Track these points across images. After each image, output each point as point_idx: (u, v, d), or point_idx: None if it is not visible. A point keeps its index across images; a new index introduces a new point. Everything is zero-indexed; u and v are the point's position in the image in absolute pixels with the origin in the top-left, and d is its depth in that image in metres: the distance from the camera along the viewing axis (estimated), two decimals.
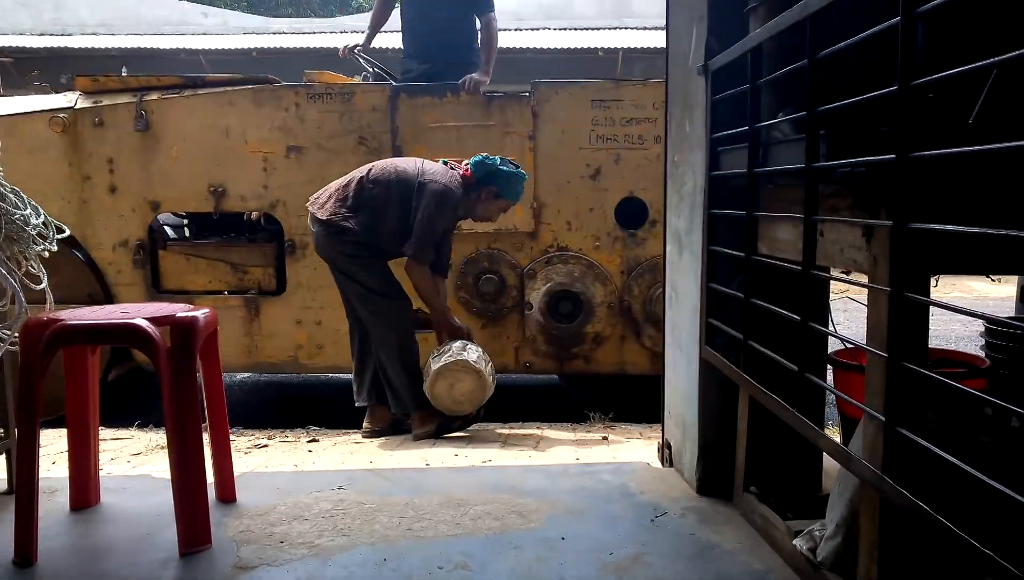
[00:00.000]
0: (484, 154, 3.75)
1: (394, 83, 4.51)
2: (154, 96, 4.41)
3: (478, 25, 4.69)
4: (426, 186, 3.60)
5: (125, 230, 4.45)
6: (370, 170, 3.71)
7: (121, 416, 4.12)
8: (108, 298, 4.44)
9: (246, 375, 5.50)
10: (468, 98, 4.32)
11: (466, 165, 3.74)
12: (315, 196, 3.77)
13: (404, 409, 3.73)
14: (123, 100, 4.42)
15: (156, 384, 2.17)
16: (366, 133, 4.36)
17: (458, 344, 3.67)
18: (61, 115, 4.37)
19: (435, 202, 3.58)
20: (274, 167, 4.40)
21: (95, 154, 4.39)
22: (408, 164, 3.73)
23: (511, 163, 3.76)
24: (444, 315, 3.79)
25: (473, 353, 3.64)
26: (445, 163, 3.77)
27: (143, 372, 4.65)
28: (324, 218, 3.63)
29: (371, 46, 4.96)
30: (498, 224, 4.11)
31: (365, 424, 3.82)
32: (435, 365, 3.59)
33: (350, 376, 3.88)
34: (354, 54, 4.89)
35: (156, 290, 4.47)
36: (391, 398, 3.74)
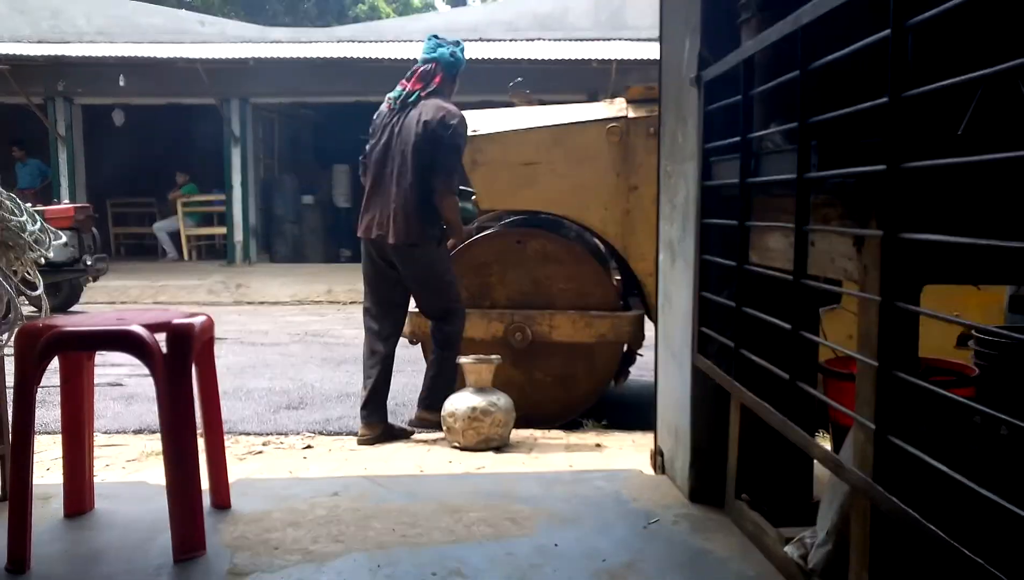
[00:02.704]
0: (438, 49, 3.73)
1: None
2: None
3: None
4: (436, 124, 3.58)
5: None
6: (380, 175, 3.68)
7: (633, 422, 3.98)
8: (645, 311, 4.25)
9: (237, 381, 5.49)
10: None
11: (427, 69, 3.70)
12: (373, 228, 3.69)
13: (433, 406, 3.75)
14: None
15: None
16: None
17: (463, 404, 3.60)
18: (616, 124, 4.25)
19: (461, 132, 3.64)
20: None
21: (645, 164, 4.09)
22: (395, 138, 3.66)
23: (433, 38, 3.81)
24: (463, 229, 3.91)
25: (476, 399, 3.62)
26: (418, 97, 3.67)
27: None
28: (413, 241, 3.62)
29: None
30: None
31: (361, 431, 3.81)
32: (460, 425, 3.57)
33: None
34: None
35: None
36: (431, 392, 3.76)
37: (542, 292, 4.25)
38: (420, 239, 3.64)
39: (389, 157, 3.68)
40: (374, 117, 3.88)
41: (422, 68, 3.75)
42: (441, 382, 3.79)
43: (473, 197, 4.24)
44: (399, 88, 3.78)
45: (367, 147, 3.87)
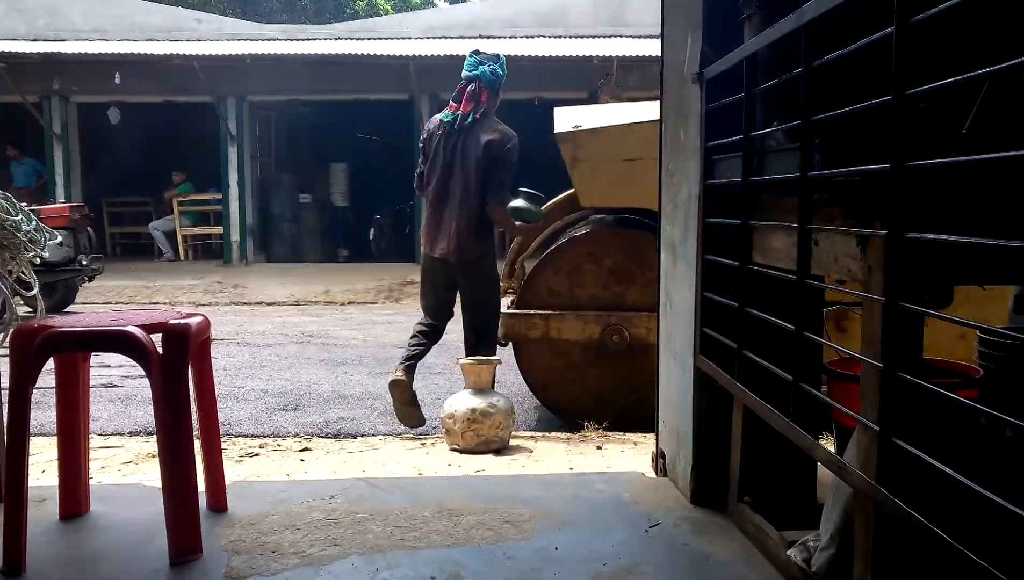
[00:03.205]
0: (479, 67, 3.94)
1: None
2: None
3: None
4: (496, 144, 3.86)
5: None
6: (443, 195, 3.96)
7: None
8: None
9: (234, 382, 5.47)
10: None
11: (472, 88, 3.92)
12: (437, 246, 3.99)
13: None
14: None
15: None
16: None
17: (462, 407, 3.62)
18: None
19: (515, 150, 3.89)
20: None
21: None
22: (456, 160, 3.92)
23: (475, 54, 4.03)
24: (516, 226, 4.21)
25: (475, 401, 3.61)
26: (473, 120, 3.90)
27: None
28: (477, 256, 3.95)
29: None
30: None
31: (398, 375, 4.00)
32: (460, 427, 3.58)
33: None
34: None
35: None
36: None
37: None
38: (482, 254, 3.98)
39: (452, 179, 3.96)
40: (423, 137, 4.15)
41: (468, 88, 3.96)
42: None
43: (540, 200, 4.30)
44: (449, 111, 4.01)
45: (420, 164, 4.14)
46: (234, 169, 12.85)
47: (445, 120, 4.00)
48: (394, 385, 4.01)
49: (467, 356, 3.97)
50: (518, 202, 4.00)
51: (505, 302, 4.36)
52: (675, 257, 2.81)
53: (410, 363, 4.07)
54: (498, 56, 4.02)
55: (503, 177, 3.90)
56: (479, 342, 4.03)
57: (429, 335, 4.15)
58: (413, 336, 4.15)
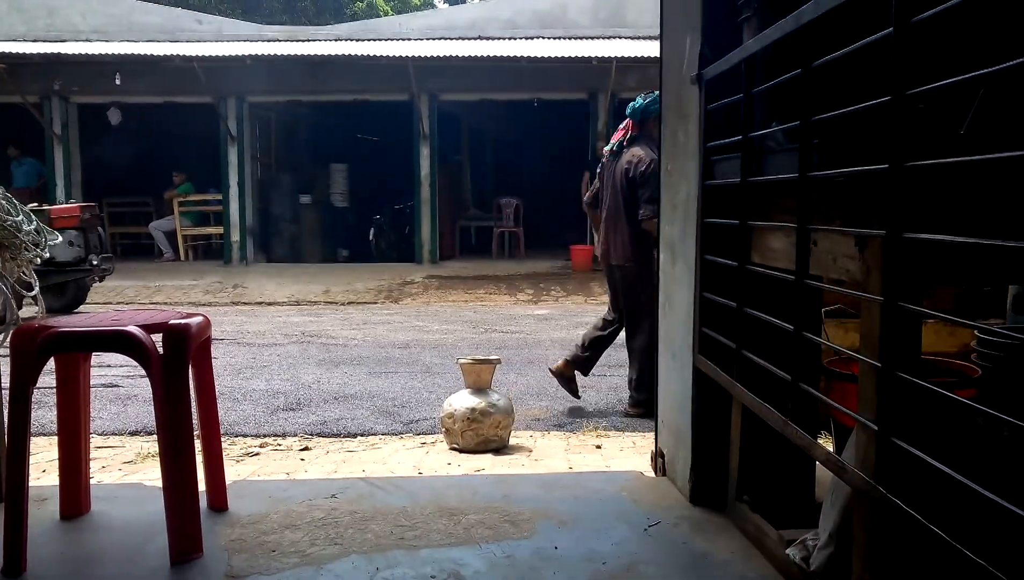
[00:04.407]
0: (628, 107, 4.53)
1: None
2: None
3: None
4: (632, 167, 4.43)
5: None
6: (606, 211, 4.61)
7: None
8: None
9: (234, 382, 5.48)
10: None
11: (627, 124, 4.52)
12: (605, 253, 4.64)
13: (638, 403, 4.47)
14: None
15: None
16: None
17: (461, 407, 3.66)
18: None
19: (649, 171, 4.36)
20: None
21: None
22: (610, 181, 4.58)
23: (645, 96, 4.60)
24: None
25: (471, 400, 3.63)
26: (620, 146, 4.54)
27: None
28: (627, 261, 4.50)
29: None
30: None
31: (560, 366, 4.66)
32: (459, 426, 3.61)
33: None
34: None
35: None
36: (637, 390, 4.49)
37: None
38: (628, 260, 4.55)
39: (608, 197, 4.66)
40: (601, 162, 4.85)
41: (625, 121, 4.65)
42: (642, 380, 4.43)
43: None
44: (612, 140, 4.72)
45: (596, 185, 4.91)
46: (234, 169, 12.84)
47: (605, 149, 4.74)
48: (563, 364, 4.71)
49: (627, 338, 4.51)
50: None
51: None
52: (674, 257, 2.82)
53: (577, 349, 4.74)
54: (648, 94, 4.55)
55: (642, 194, 4.43)
56: (630, 328, 4.57)
57: (604, 326, 4.75)
58: (591, 329, 4.81)
